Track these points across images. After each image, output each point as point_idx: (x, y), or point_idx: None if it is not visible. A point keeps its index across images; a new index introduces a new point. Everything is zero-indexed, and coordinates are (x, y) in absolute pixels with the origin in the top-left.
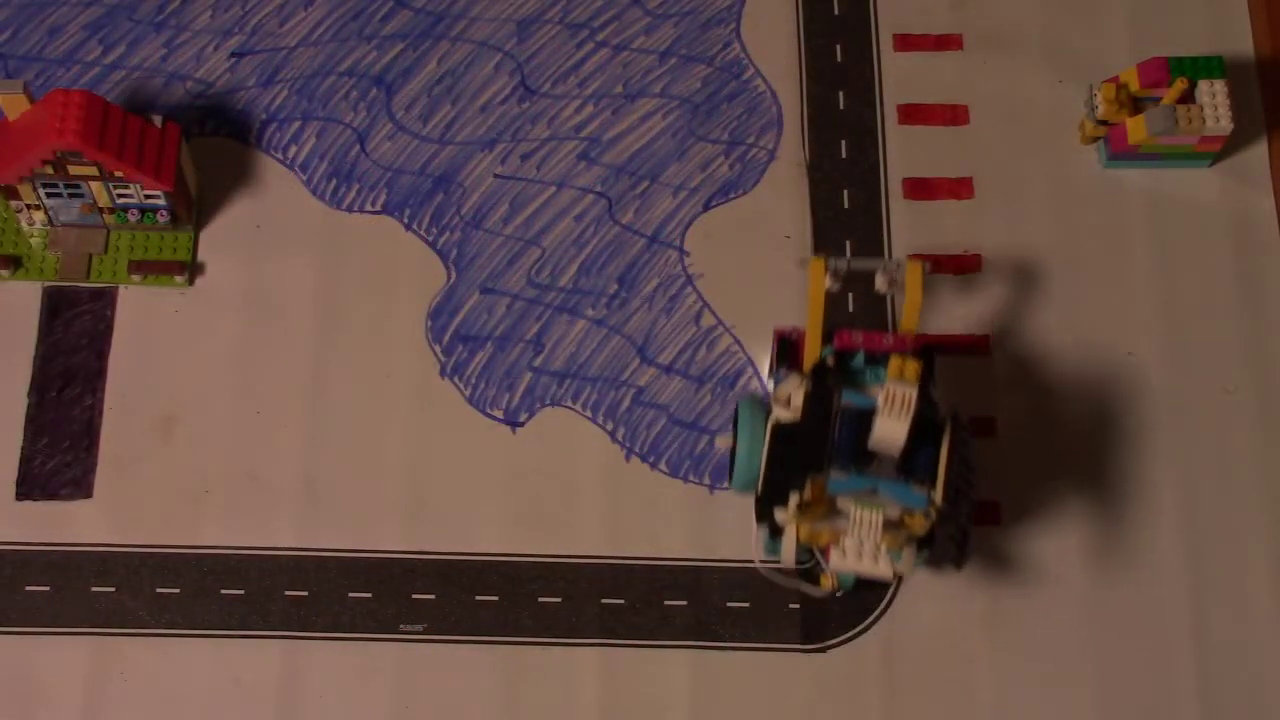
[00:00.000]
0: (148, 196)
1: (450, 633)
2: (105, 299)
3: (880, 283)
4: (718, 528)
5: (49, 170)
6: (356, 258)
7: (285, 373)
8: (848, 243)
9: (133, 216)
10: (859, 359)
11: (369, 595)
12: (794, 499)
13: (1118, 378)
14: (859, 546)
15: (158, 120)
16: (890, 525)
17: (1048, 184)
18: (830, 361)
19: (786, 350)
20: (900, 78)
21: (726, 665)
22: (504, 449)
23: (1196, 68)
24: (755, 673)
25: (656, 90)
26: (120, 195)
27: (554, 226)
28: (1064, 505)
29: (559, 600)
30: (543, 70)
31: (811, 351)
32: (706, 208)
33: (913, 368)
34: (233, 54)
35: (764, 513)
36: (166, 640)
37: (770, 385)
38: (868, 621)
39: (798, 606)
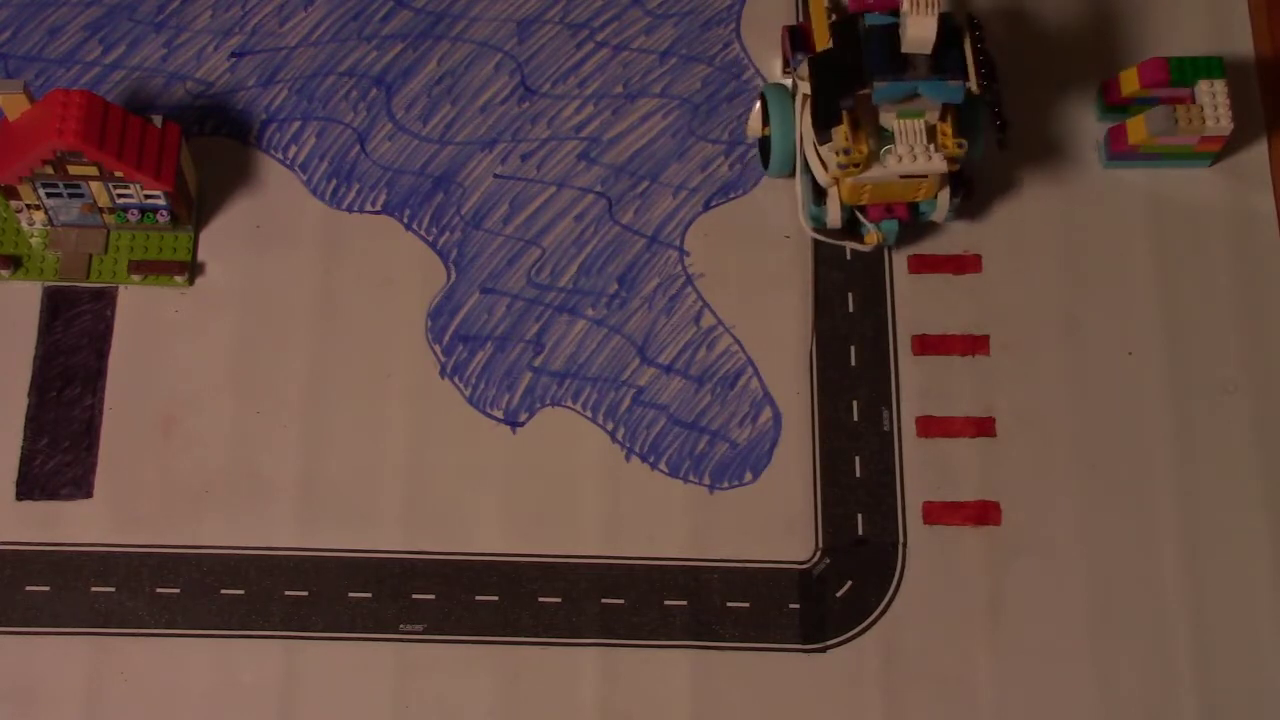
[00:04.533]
0: (148, 196)
1: (450, 633)
2: (105, 299)
3: None
4: (718, 528)
5: (49, 170)
6: (356, 258)
7: (285, 373)
8: (847, 243)
9: (133, 216)
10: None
11: (369, 595)
12: (837, 134)
13: (1118, 378)
14: (910, 150)
15: (158, 120)
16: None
17: (1048, 184)
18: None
19: (798, 38)
20: None
21: (726, 665)
22: (504, 449)
23: (1196, 68)
24: (755, 673)
25: (656, 90)
26: (120, 195)
27: (554, 226)
28: (1064, 505)
29: (559, 600)
30: (543, 70)
31: (820, 36)
32: (706, 208)
33: None
34: (233, 54)
35: (824, 136)
36: (166, 640)
37: (792, 70)
38: (868, 621)
39: (797, 606)
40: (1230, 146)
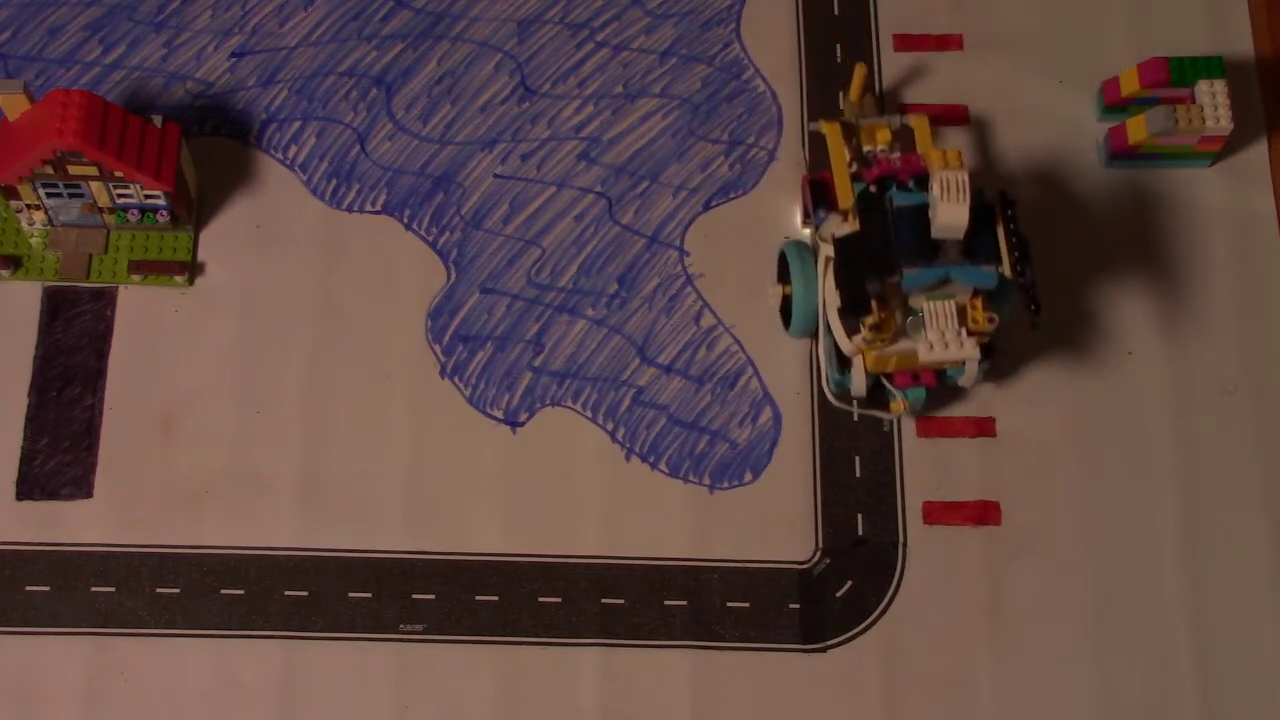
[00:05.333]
0: (148, 196)
1: (450, 633)
2: (105, 299)
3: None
4: (718, 528)
5: (49, 170)
6: (356, 258)
7: (285, 373)
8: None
9: (133, 216)
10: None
11: (369, 595)
12: (865, 323)
13: (1118, 378)
14: (941, 337)
15: (158, 120)
16: (960, 314)
17: (1048, 184)
18: (873, 189)
19: (819, 192)
20: (900, 78)
21: (726, 665)
22: (504, 449)
23: (1196, 68)
24: (755, 673)
25: (656, 90)
26: (120, 195)
27: (554, 226)
28: (1064, 505)
29: (559, 600)
30: (543, 70)
31: (843, 193)
32: (706, 208)
33: (955, 154)
34: (233, 54)
35: (851, 325)
36: (166, 640)
37: (813, 224)
38: (868, 621)
39: (797, 606)
40: (1230, 146)
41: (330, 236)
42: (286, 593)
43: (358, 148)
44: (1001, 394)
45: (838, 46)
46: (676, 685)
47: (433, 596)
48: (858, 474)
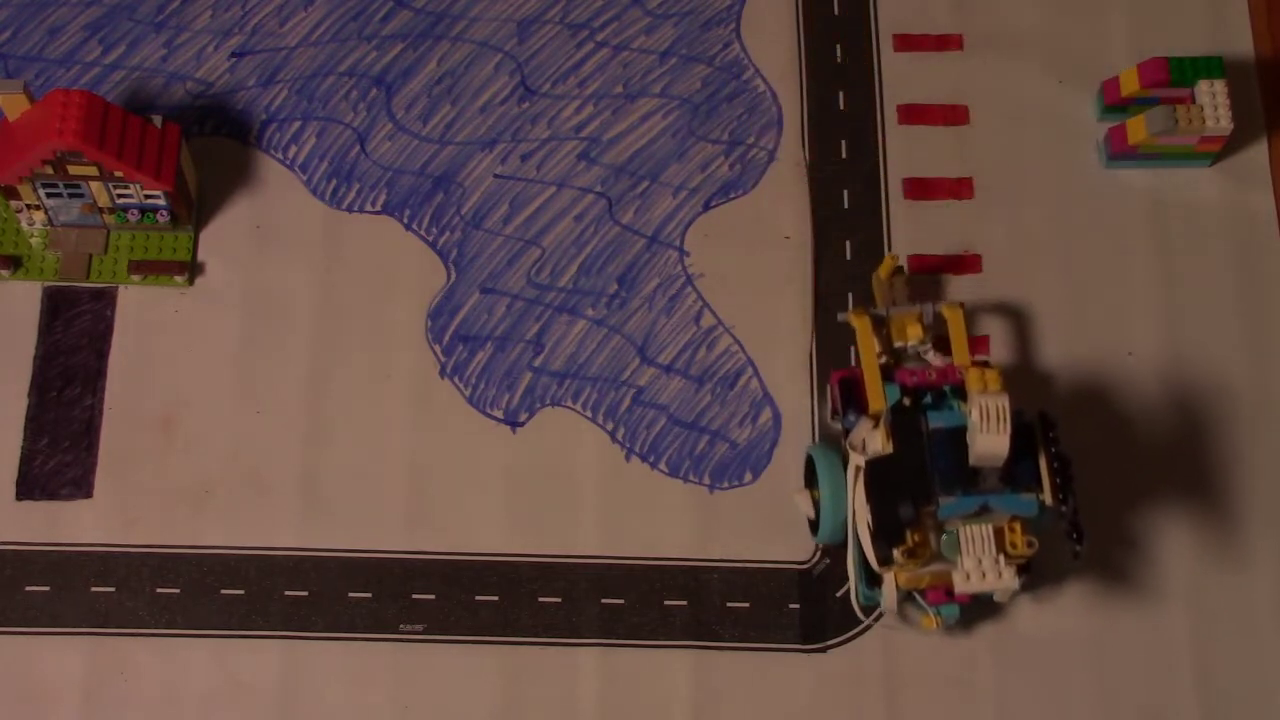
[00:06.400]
0: (148, 196)
1: (450, 633)
2: (105, 299)
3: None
4: (718, 528)
5: (49, 170)
6: (356, 258)
7: (285, 373)
8: (848, 243)
9: (133, 216)
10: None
11: (369, 595)
12: (899, 551)
13: (1118, 378)
14: (978, 565)
15: (158, 120)
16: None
17: (1048, 184)
18: (907, 403)
19: (849, 391)
20: (900, 78)
21: (726, 665)
22: (504, 449)
23: (1196, 68)
24: (755, 673)
25: (656, 90)
26: (120, 195)
27: (554, 226)
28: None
29: (559, 600)
30: (543, 70)
31: (874, 394)
32: (706, 208)
33: (994, 376)
34: (233, 54)
35: (884, 553)
36: (166, 640)
37: (840, 425)
38: (868, 621)
39: (797, 606)
40: (1230, 146)
41: (330, 236)
42: (286, 593)
43: (358, 148)
44: None
45: (838, 46)
46: (676, 685)
47: (433, 596)
48: None
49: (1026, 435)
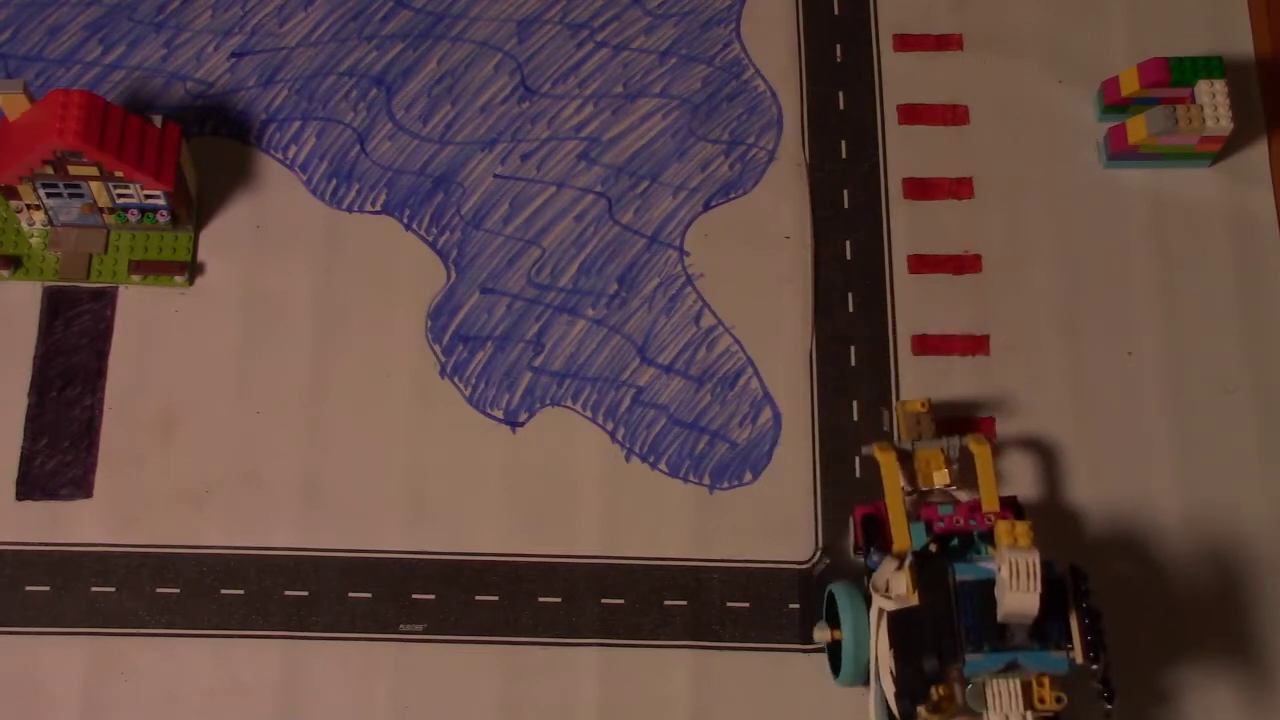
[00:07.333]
0: (148, 196)
1: (450, 633)
2: (105, 299)
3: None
4: (718, 528)
5: (49, 170)
6: (356, 258)
7: (285, 373)
8: (848, 243)
9: (133, 216)
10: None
11: (369, 595)
12: (924, 707)
13: (1118, 378)
14: None
15: (158, 120)
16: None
17: (1048, 184)
18: (933, 549)
19: (873, 528)
20: (900, 78)
21: (726, 665)
22: (504, 449)
23: (1196, 68)
24: (755, 673)
25: (656, 90)
26: (120, 195)
27: (554, 226)
28: (1063, 504)
29: (559, 600)
30: (543, 70)
31: (899, 535)
32: (706, 208)
33: (1024, 531)
34: (233, 54)
35: (907, 710)
36: (166, 640)
37: (863, 562)
38: None
39: (797, 606)
40: (1230, 146)
41: (330, 236)
42: (286, 593)
43: (358, 148)
44: (1001, 395)
45: (838, 46)
46: (676, 685)
47: (433, 596)
48: (858, 474)
49: (1057, 590)
